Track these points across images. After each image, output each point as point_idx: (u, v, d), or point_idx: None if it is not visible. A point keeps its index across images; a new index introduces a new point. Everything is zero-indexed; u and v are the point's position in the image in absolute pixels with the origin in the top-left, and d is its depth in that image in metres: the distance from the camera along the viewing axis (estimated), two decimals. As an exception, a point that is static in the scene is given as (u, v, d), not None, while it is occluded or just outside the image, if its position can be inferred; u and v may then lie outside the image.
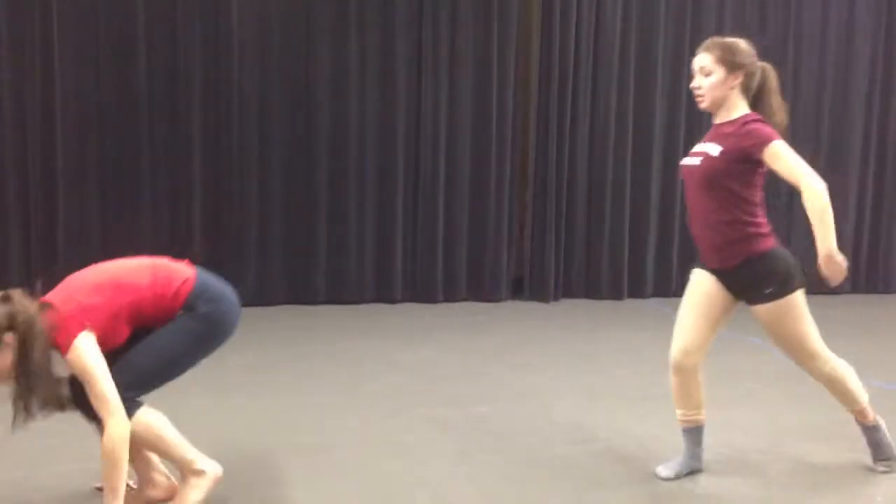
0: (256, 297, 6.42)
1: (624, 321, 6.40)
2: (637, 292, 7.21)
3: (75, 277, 2.75)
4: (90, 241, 6.11)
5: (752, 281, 3.10)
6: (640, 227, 7.21)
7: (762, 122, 3.07)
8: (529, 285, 7.07)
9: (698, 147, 3.21)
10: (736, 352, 5.24)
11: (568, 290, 7.11)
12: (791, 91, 7.31)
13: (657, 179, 7.20)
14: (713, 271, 3.20)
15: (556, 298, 7.01)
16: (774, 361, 5.21)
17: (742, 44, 3.12)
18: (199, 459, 2.77)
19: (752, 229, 3.09)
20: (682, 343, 3.21)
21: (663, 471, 3.28)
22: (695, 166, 3.14)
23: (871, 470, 3.37)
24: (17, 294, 2.58)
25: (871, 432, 3.35)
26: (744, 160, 3.03)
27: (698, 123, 7.20)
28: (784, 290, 3.07)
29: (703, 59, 3.12)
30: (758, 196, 3.12)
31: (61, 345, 2.56)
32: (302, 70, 6.46)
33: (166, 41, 6.20)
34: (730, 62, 3.08)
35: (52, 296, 2.66)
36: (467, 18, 6.69)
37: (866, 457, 3.43)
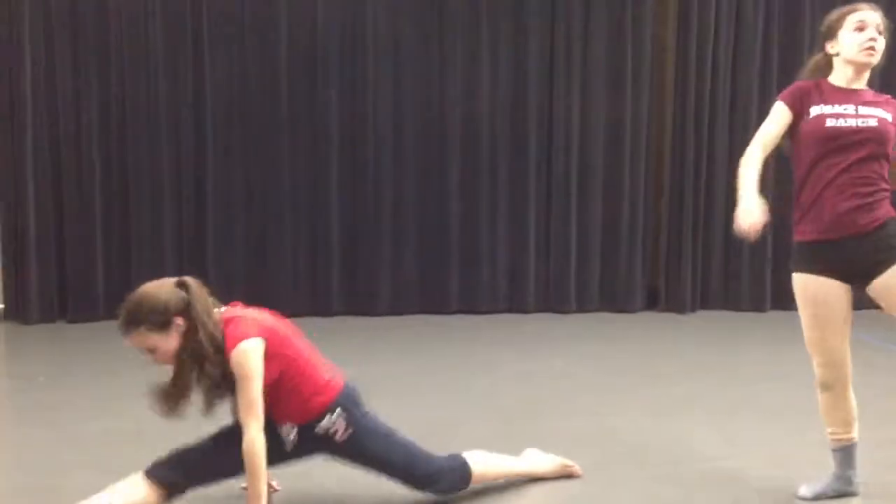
0: (391, 306, 6.57)
1: (765, 334, 6.16)
2: (781, 304, 6.91)
3: (258, 311, 2.86)
4: (235, 250, 6.42)
5: (889, 242, 2.94)
6: (782, 236, 6.91)
7: None
8: (665, 296, 6.91)
9: (845, 109, 3.01)
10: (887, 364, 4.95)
11: (705, 301, 6.90)
12: None
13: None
14: (838, 244, 2.98)
15: (692, 310, 6.82)
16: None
17: None
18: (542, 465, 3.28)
19: (886, 193, 3.01)
20: (823, 358, 3.06)
21: (805, 490, 3.13)
22: (868, 127, 2.97)
23: None
24: (193, 282, 2.72)
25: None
26: None
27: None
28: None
29: (878, 17, 3.03)
30: None
31: (230, 339, 2.64)
32: (434, 84, 6.56)
33: (307, 62, 6.44)
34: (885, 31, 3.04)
35: (232, 308, 2.82)
36: (600, 23, 6.63)
37: None
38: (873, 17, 3.03)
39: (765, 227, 3.00)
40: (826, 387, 3.07)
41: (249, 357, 2.63)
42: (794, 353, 5.46)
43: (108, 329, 5.82)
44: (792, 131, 3.10)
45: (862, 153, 2.95)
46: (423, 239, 6.64)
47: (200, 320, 2.64)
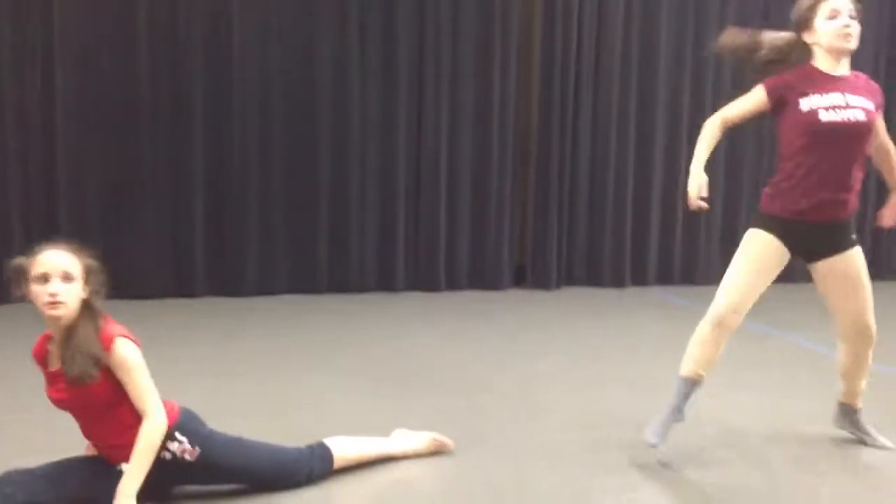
0: (259, 286, 6.43)
1: (626, 309, 6.40)
2: (640, 280, 7.20)
3: None
4: (91, 234, 6.11)
5: (848, 229, 3.22)
6: (642, 215, 7.19)
7: None
8: (532, 273, 7.06)
9: (835, 99, 3.12)
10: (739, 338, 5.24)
11: (570, 278, 7.10)
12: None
13: (660, 166, 7.19)
14: (806, 225, 3.17)
15: (558, 286, 7.01)
16: (777, 348, 5.21)
17: None
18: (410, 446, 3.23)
19: (859, 185, 3.21)
20: (733, 300, 3.18)
21: (651, 436, 3.22)
22: (858, 121, 3.11)
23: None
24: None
25: (857, 415, 3.52)
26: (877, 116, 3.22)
27: (701, 109, 7.19)
28: (856, 237, 3.27)
29: (849, 3, 3.13)
30: None
31: (109, 334, 2.61)
32: (303, 60, 6.43)
33: (167, 38, 6.17)
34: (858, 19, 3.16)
35: None
36: (470, 8, 6.66)
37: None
38: (845, 4, 3.12)
39: (708, 199, 3.13)
40: (719, 324, 3.20)
41: (134, 349, 2.65)
42: (652, 326, 5.75)
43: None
44: (779, 119, 3.21)
45: (850, 146, 3.12)
46: (292, 218, 6.52)
47: (99, 290, 2.67)
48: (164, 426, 2.66)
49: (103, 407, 2.64)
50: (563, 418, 3.82)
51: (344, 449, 3.05)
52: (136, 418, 2.65)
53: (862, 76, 3.25)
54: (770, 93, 3.19)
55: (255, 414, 3.76)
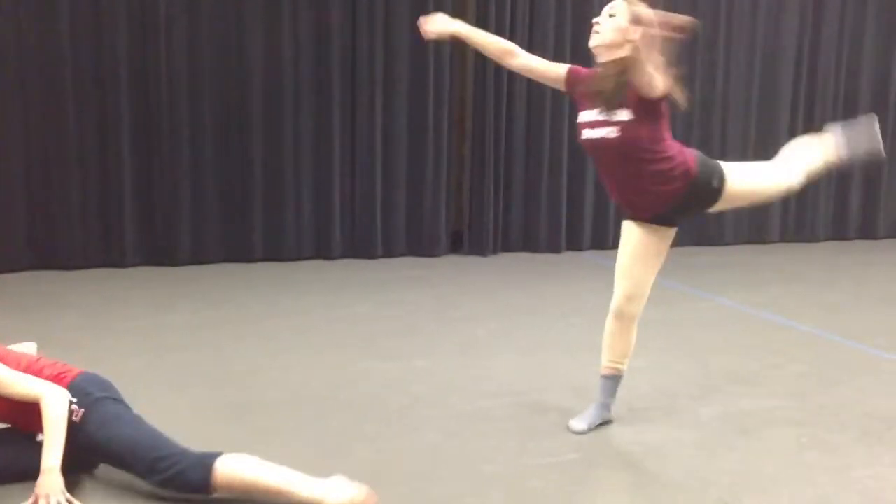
0: (191, 256, 6.32)
1: (562, 274, 6.48)
2: (574, 245, 7.29)
3: None
4: (14, 205, 5.92)
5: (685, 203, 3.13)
6: (577, 181, 7.26)
7: None
8: (468, 239, 7.09)
9: (591, 115, 3.13)
10: (670, 301, 5.36)
11: (507, 243, 7.15)
12: (724, 65, 7.47)
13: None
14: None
15: (494, 252, 7.06)
16: (711, 309, 5.35)
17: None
18: (327, 495, 2.50)
19: (668, 172, 3.07)
20: (623, 290, 3.24)
21: (576, 424, 3.28)
22: (611, 138, 3.07)
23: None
24: None
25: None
26: None
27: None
28: (722, 183, 3.10)
29: (618, 4, 3.06)
30: None
31: None
32: (233, 25, 6.29)
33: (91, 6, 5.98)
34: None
35: None
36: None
37: (794, 402, 3.57)
38: (611, 5, 3.06)
39: None
40: (619, 315, 3.26)
41: None
42: (587, 291, 5.84)
43: None
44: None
45: (614, 160, 3.07)
46: (225, 186, 6.41)
47: None
48: (60, 396, 2.62)
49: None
50: (499, 383, 3.87)
51: (235, 469, 2.57)
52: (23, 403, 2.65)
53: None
54: (568, 80, 3.25)
55: (192, 385, 3.72)
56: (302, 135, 6.54)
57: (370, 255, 6.74)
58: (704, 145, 7.68)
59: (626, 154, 3.02)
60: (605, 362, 3.34)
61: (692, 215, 3.33)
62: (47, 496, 2.51)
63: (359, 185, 6.72)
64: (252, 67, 6.36)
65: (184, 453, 2.63)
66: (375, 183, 6.73)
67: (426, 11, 6.55)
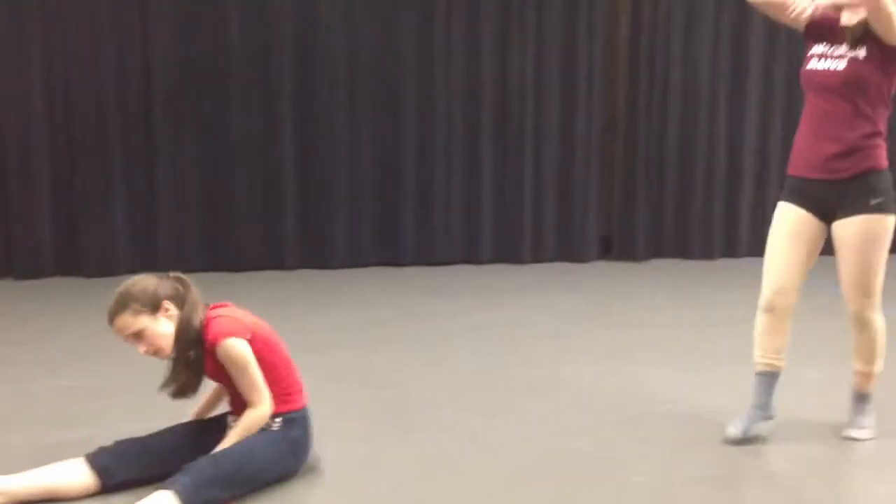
0: (346, 258, 6.55)
1: (716, 281, 6.27)
2: (731, 251, 7.05)
3: (243, 311, 2.88)
4: (190, 203, 6.34)
5: (863, 191, 3.00)
6: (733, 185, 7.02)
7: None
8: (619, 245, 6.98)
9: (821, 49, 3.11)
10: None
11: (658, 249, 7.00)
12: None
13: (752, 136, 6.98)
14: (815, 184, 3.07)
15: (646, 258, 6.92)
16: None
17: None
18: None
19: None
20: (776, 283, 3.13)
21: (731, 430, 3.18)
22: (836, 70, 3.04)
23: (846, 437, 3.23)
24: (184, 276, 2.80)
25: (864, 401, 3.26)
26: None
27: (794, 71, 6.95)
28: (890, 206, 3.00)
29: None
30: None
31: (213, 335, 2.68)
32: (388, 26, 6.47)
33: (256, 13, 6.30)
34: None
35: (215, 307, 2.83)
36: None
37: None
38: None
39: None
40: (769, 309, 3.14)
41: (237, 347, 2.69)
42: (743, 299, 5.61)
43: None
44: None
45: (833, 95, 3.02)
46: (379, 191, 6.60)
47: (190, 298, 2.73)
48: (267, 416, 2.74)
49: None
50: (649, 392, 3.79)
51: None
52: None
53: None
54: (812, 19, 3.08)
55: (344, 381, 3.85)
56: (452, 140, 6.64)
57: (519, 259, 6.76)
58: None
59: (842, 91, 2.97)
60: (758, 357, 3.21)
61: (838, 213, 3.07)
62: None
63: (508, 190, 6.76)
64: (403, 72, 6.51)
65: None
66: (524, 186, 6.74)
67: (578, 15, 6.62)
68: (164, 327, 2.70)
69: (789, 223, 3.13)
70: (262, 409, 2.73)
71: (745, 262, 6.91)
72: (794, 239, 3.11)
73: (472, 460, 3.04)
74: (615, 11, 6.88)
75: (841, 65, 2.99)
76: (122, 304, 2.66)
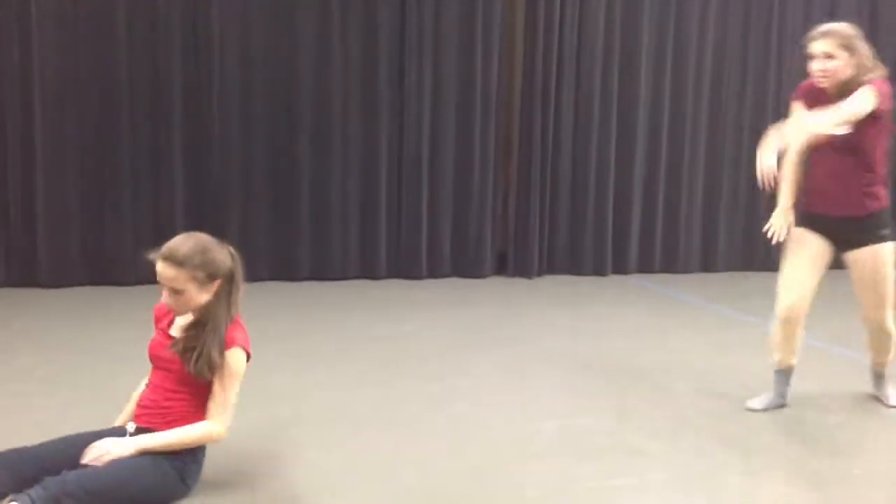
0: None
1: (607, 297, 6.42)
2: (620, 268, 7.24)
3: None
4: (70, 224, 6.08)
5: (875, 225, 3.57)
6: (624, 203, 7.22)
7: None
8: (513, 261, 7.07)
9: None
10: (717, 326, 5.26)
11: (551, 266, 7.12)
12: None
13: (641, 155, 7.21)
14: (828, 219, 3.60)
15: (539, 274, 7.03)
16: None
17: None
18: None
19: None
20: (793, 300, 3.63)
21: (755, 403, 3.78)
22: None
23: (878, 400, 3.92)
24: (238, 256, 2.84)
25: (883, 377, 3.94)
26: None
27: (682, 97, 7.26)
28: (891, 236, 3.61)
29: (823, 45, 3.46)
30: None
31: (232, 338, 2.71)
32: (285, 43, 6.39)
33: (145, 14, 6.12)
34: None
35: None
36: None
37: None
38: (819, 46, 3.46)
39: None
40: (784, 321, 3.67)
41: (242, 361, 2.74)
42: (633, 314, 5.79)
43: None
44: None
45: (839, 150, 3.50)
46: (273, 205, 6.49)
47: (237, 293, 2.79)
48: (219, 438, 2.70)
49: (187, 383, 2.69)
50: (543, 406, 3.84)
51: None
52: (198, 411, 2.71)
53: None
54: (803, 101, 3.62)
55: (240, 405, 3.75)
56: (349, 155, 6.61)
57: (415, 275, 6.76)
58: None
59: (846, 147, 3.45)
60: (777, 360, 3.81)
61: (849, 244, 3.62)
62: (108, 451, 2.56)
63: (405, 206, 6.76)
64: (301, 90, 6.44)
65: None
66: (421, 203, 6.76)
67: (474, 29, 6.70)
68: (202, 297, 2.69)
69: (808, 247, 3.65)
70: (219, 428, 2.69)
71: (633, 278, 7.10)
72: (814, 262, 3.64)
73: (366, 479, 3.00)
74: (512, 31, 7.00)
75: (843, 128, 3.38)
76: (185, 262, 2.65)
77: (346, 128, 6.58)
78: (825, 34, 3.47)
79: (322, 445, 3.30)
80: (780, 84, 7.40)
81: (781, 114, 7.31)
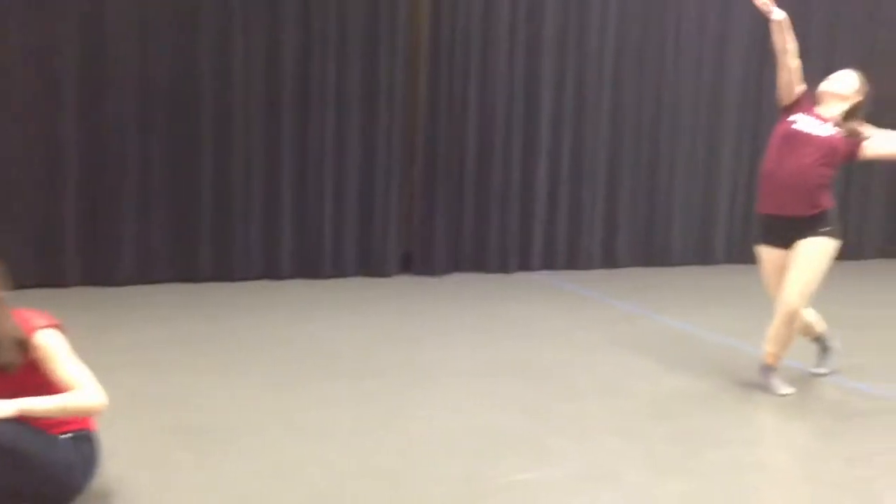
0: (137, 275, 6.19)
1: (512, 294, 6.49)
2: (525, 265, 7.32)
3: None
4: None
5: (823, 222, 3.99)
6: (528, 202, 7.30)
7: None
8: (419, 260, 7.07)
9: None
10: (616, 319, 5.39)
11: (457, 264, 7.15)
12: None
13: (545, 155, 7.30)
14: (787, 222, 4.01)
15: (445, 273, 7.04)
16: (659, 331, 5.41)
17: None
18: None
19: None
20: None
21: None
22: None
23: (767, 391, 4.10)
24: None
25: (771, 371, 4.15)
26: None
27: (584, 99, 7.39)
28: (834, 234, 4.02)
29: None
30: None
31: (27, 325, 2.55)
32: (184, 43, 6.20)
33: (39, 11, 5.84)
34: None
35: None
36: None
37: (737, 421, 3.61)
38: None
39: None
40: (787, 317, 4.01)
41: (54, 335, 2.60)
42: (537, 311, 5.86)
43: None
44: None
45: (810, 151, 3.98)
46: (172, 203, 6.29)
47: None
48: (101, 406, 2.58)
49: (23, 389, 2.55)
50: (449, 404, 3.84)
51: None
52: None
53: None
54: (799, 98, 4.06)
55: (135, 407, 3.62)
56: (251, 153, 6.46)
57: (319, 275, 6.68)
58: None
59: (818, 152, 3.93)
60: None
61: (798, 238, 3.99)
62: None
63: (309, 205, 6.66)
64: (201, 88, 6.26)
65: None
66: (325, 202, 6.67)
67: (378, 27, 6.67)
68: None
69: (772, 264, 4.13)
70: (92, 395, 2.55)
71: (538, 275, 7.20)
72: (782, 274, 4.05)
73: (270, 483, 2.94)
74: (417, 29, 6.98)
75: (825, 132, 3.98)
76: None
77: (249, 126, 6.43)
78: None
79: (223, 451, 3.21)
80: (677, 84, 7.64)
81: (677, 115, 7.68)
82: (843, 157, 4.03)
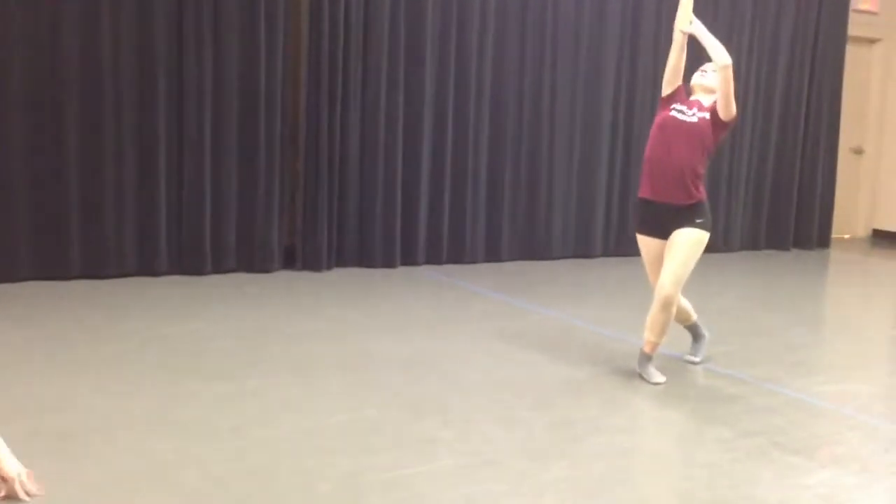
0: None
1: (397, 289, 6.47)
2: (410, 260, 7.31)
3: None
4: None
5: (691, 214, 4.20)
6: (411, 196, 7.29)
7: None
8: (302, 255, 6.95)
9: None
10: (504, 314, 5.45)
11: (341, 259, 7.07)
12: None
13: (428, 148, 7.31)
14: (664, 208, 4.21)
15: (329, 267, 6.95)
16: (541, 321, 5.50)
17: None
18: None
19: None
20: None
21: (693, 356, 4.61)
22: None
23: (643, 378, 4.27)
24: None
25: (649, 359, 4.31)
26: None
27: (466, 90, 7.44)
28: (706, 226, 4.24)
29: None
30: None
31: None
32: (45, 24, 5.89)
33: None
34: None
35: None
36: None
37: (617, 409, 3.70)
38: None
39: None
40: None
41: None
42: (422, 306, 5.86)
43: None
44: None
45: (683, 138, 4.22)
46: (35, 198, 5.96)
47: None
48: None
49: None
50: (332, 401, 3.79)
51: None
52: None
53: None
54: (677, 89, 4.32)
55: (4, 410, 3.42)
56: (124, 145, 6.19)
57: (198, 271, 6.48)
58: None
59: (690, 138, 4.17)
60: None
61: (674, 228, 4.21)
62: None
63: (186, 199, 6.44)
64: (68, 77, 5.96)
65: None
66: (204, 195, 6.47)
67: (256, 21, 6.51)
68: None
69: (651, 254, 4.37)
70: None
71: (422, 269, 7.20)
72: (660, 262, 4.29)
73: (148, 485, 2.82)
74: (297, 22, 6.86)
75: (696, 118, 4.21)
76: None
77: (120, 117, 6.15)
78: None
79: (98, 455, 3.06)
80: (553, 80, 7.80)
81: (556, 111, 7.84)
82: (712, 133, 4.21)
